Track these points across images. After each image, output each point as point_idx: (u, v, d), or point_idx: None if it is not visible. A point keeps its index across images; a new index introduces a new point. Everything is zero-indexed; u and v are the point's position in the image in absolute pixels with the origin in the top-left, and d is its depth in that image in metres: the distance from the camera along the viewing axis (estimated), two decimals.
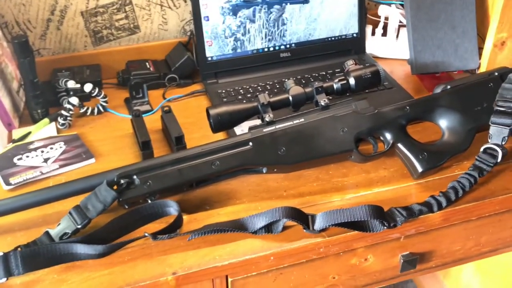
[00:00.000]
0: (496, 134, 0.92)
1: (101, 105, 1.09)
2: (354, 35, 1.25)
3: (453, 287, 1.53)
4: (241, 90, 1.14)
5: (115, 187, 0.83)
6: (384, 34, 1.28)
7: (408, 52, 1.16)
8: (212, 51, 1.16)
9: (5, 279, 0.75)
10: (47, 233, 0.80)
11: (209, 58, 1.17)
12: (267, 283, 0.86)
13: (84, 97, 1.10)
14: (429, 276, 1.64)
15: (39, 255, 0.76)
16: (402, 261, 0.92)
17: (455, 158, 0.94)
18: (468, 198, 0.88)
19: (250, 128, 0.91)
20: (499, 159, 0.90)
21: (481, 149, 0.92)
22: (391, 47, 1.27)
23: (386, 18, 1.27)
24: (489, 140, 0.92)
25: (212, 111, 0.90)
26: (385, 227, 0.82)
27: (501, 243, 1.00)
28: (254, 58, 1.19)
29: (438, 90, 0.97)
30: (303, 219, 0.82)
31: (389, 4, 1.26)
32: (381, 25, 1.27)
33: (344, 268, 0.90)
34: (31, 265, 0.76)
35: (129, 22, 1.19)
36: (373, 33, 1.28)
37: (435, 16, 1.13)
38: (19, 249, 0.78)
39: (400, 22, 1.25)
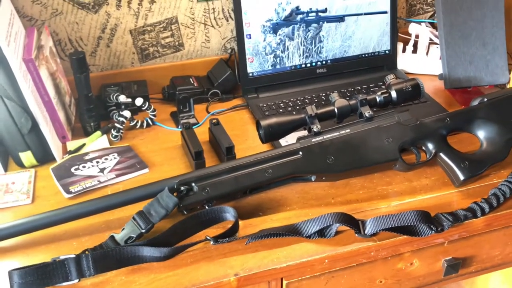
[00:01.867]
0: None
1: (150, 118, 1.14)
2: (387, 52, 1.30)
3: None
4: (281, 104, 1.19)
5: (175, 194, 0.87)
6: (415, 51, 1.33)
7: (438, 67, 1.21)
8: (253, 67, 1.22)
9: (78, 280, 0.79)
10: (112, 237, 0.84)
11: (250, 74, 1.22)
12: (319, 286, 0.90)
13: (133, 111, 1.15)
14: (454, 286, 1.67)
15: (109, 257, 0.80)
16: (446, 265, 0.96)
17: (493, 167, 0.99)
18: (509, 204, 0.93)
19: (299, 139, 0.95)
20: None
21: None
22: (421, 63, 1.33)
23: (417, 36, 1.32)
24: None
25: (263, 122, 0.95)
26: (433, 232, 0.87)
27: None
28: (292, 73, 1.25)
29: (475, 102, 1.02)
30: (354, 224, 0.87)
31: (419, 23, 1.32)
32: (411, 42, 1.33)
33: (391, 272, 0.94)
34: (101, 267, 0.80)
35: (174, 40, 1.25)
36: (403, 50, 1.33)
37: (467, 34, 1.18)
38: (86, 252, 0.82)
39: (430, 39, 1.31)
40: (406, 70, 1.34)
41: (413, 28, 1.32)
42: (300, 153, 0.93)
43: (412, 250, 0.93)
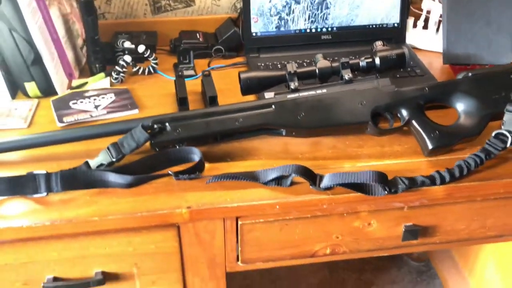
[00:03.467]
0: (509, 121, 0.96)
1: (152, 66, 1.22)
2: (395, 25, 1.31)
3: (477, 284, 1.55)
4: (279, 65, 1.23)
5: (149, 131, 0.94)
6: (426, 27, 1.33)
7: None
8: (257, 27, 1.26)
9: (46, 193, 0.88)
10: (86, 162, 0.92)
11: (254, 34, 1.26)
12: (274, 232, 0.95)
13: (139, 59, 1.22)
14: (454, 273, 1.66)
15: (77, 177, 0.89)
16: (404, 230, 0.98)
17: (469, 143, 0.99)
18: (473, 177, 0.93)
19: (276, 94, 0.99)
20: (508, 145, 0.94)
21: (493, 134, 0.96)
22: (431, 40, 1.32)
23: (428, 12, 1.32)
24: (502, 127, 0.96)
25: (243, 75, 1.00)
26: (386, 192, 0.89)
27: (507, 229, 1.04)
28: (296, 37, 1.28)
29: (460, 76, 1.02)
30: (311, 177, 0.90)
31: None
32: (422, 17, 1.32)
33: (347, 229, 0.97)
34: (69, 185, 0.88)
35: None
36: (414, 25, 1.33)
37: (472, 11, 1.17)
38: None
39: (441, 16, 1.30)
40: (415, 45, 1.34)
41: (425, 3, 1.31)
42: (273, 106, 0.97)
43: (369, 210, 0.95)
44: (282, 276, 1.80)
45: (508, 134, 0.95)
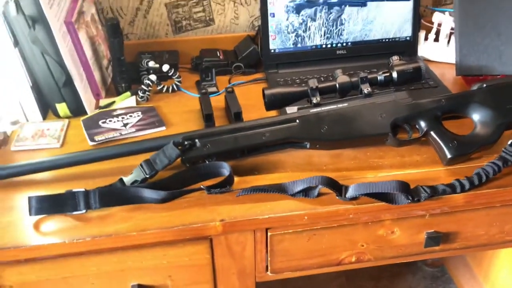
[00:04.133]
0: None
1: (175, 84, 1.26)
2: (408, 38, 1.35)
3: None
4: (297, 80, 1.27)
5: (180, 147, 0.98)
6: (437, 39, 1.37)
7: None
8: (275, 44, 1.31)
9: (85, 211, 0.92)
10: (121, 179, 0.97)
11: (272, 51, 1.31)
12: (302, 242, 0.99)
13: (162, 77, 1.27)
14: (469, 278, 1.70)
15: (113, 194, 0.93)
16: (426, 237, 1.02)
17: (485, 151, 1.03)
18: (491, 184, 0.97)
19: (299, 108, 1.04)
20: None
21: (509, 142, 1.00)
22: (442, 52, 1.37)
23: (439, 25, 1.36)
24: None
25: (267, 91, 1.05)
26: (409, 201, 0.93)
27: None
28: (312, 53, 1.33)
29: (474, 87, 1.07)
30: (337, 187, 0.94)
31: (443, 12, 1.36)
32: (434, 30, 1.37)
33: (372, 237, 1.01)
34: (106, 202, 0.92)
35: (205, 15, 1.36)
36: (426, 38, 1.38)
37: (482, 24, 1.21)
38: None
39: (452, 29, 1.34)
40: (427, 57, 1.38)
41: (436, 17, 1.36)
42: (297, 121, 1.02)
43: (392, 219, 0.99)
44: (300, 284, 1.83)
45: None
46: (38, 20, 1.05)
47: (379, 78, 1.06)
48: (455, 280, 1.82)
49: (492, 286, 1.57)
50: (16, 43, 1.07)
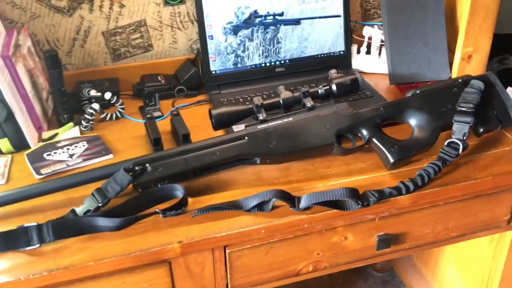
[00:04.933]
0: (458, 130, 1.07)
1: (118, 111, 1.26)
2: (341, 52, 1.41)
3: (439, 286, 1.65)
4: (240, 99, 1.30)
5: (131, 173, 0.98)
6: (368, 52, 1.44)
7: None
8: (215, 65, 1.33)
9: (39, 245, 0.90)
10: (73, 210, 0.95)
11: (213, 72, 1.34)
12: (260, 256, 1.00)
13: (104, 105, 1.26)
14: (418, 279, 1.76)
15: (67, 226, 0.92)
16: (377, 240, 1.06)
17: (424, 154, 1.09)
18: (433, 184, 1.03)
19: (246, 126, 1.06)
20: (460, 151, 1.05)
21: (445, 143, 1.06)
22: (374, 63, 1.44)
23: (370, 38, 1.43)
24: (452, 136, 1.07)
25: (214, 111, 1.07)
26: (359, 206, 0.97)
27: (467, 228, 1.14)
28: (252, 72, 1.36)
29: (409, 94, 1.13)
30: (290, 199, 0.97)
31: (372, 26, 1.43)
32: (365, 44, 1.43)
33: (327, 245, 1.04)
34: (60, 234, 0.91)
35: (144, 41, 1.37)
36: (358, 51, 1.44)
37: (410, 34, 1.29)
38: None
39: (382, 41, 1.41)
40: (361, 69, 1.44)
41: (366, 31, 1.43)
42: (246, 138, 1.04)
43: (344, 225, 1.03)
44: None
45: (459, 142, 1.05)
46: None
47: (320, 91, 1.11)
48: (405, 282, 1.88)
49: (440, 283, 1.64)
50: None
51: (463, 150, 1.05)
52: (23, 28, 1.25)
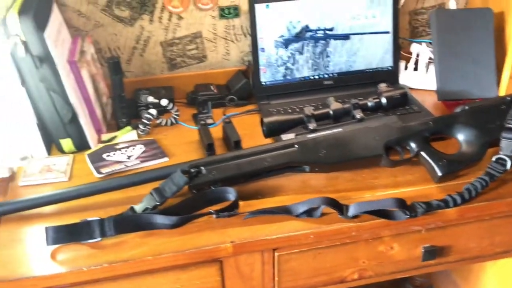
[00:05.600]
0: (506, 147, 1.08)
1: (173, 117, 1.32)
2: (389, 68, 1.44)
3: None
4: (289, 110, 1.34)
5: (187, 175, 1.03)
6: (416, 68, 1.47)
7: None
8: (266, 77, 1.38)
9: (100, 238, 0.95)
10: (132, 208, 1.00)
11: (263, 83, 1.38)
12: (307, 261, 1.04)
13: (160, 112, 1.32)
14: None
15: (127, 221, 0.97)
16: (423, 251, 1.08)
17: (471, 168, 1.10)
18: (480, 198, 1.04)
19: (297, 135, 1.10)
20: (507, 167, 1.06)
21: (493, 159, 1.08)
22: (421, 80, 1.46)
23: (418, 55, 1.46)
24: (500, 152, 1.08)
25: (266, 119, 1.11)
26: (407, 216, 0.99)
27: None
28: (301, 84, 1.41)
29: (458, 109, 1.15)
30: (338, 207, 1.00)
31: (420, 43, 1.46)
32: (413, 60, 1.46)
33: (373, 254, 1.07)
34: (121, 229, 0.96)
35: (198, 52, 1.43)
36: (405, 68, 1.47)
37: (459, 52, 1.32)
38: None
39: (430, 58, 1.44)
40: (408, 85, 1.46)
41: (414, 48, 1.46)
42: (296, 146, 1.08)
43: (391, 235, 1.05)
44: None
45: (507, 158, 1.07)
46: (45, 60, 1.10)
47: (369, 104, 1.14)
48: None
49: None
50: (23, 82, 1.11)
51: (511, 166, 1.06)
52: (87, 36, 1.32)
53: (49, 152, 1.21)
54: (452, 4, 1.44)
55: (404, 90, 1.15)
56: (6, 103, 1.09)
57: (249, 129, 1.28)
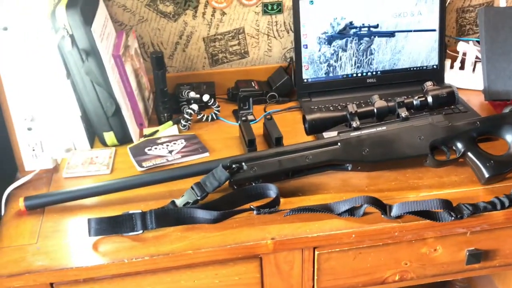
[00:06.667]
0: None
1: (214, 113, 1.32)
2: (434, 66, 1.41)
3: None
4: (331, 108, 1.32)
5: (228, 170, 1.03)
6: (462, 67, 1.43)
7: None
8: (308, 74, 1.37)
9: (142, 231, 0.96)
10: (173, 202, 1.01)
11: (305, 80, 1.37)
12: (348, 260, 1.02)
13: (201, 107, 1.33)
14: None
15: (168, 215, 0.97)
16: (467, 254, 1.05)
17: None
18: None
19: (339, 132, 1.09)
20: None
21: None
22: (468, 79, 1.42)
23: (464, 54, 1.42)
24: None
25: (308, 116, 1.09)
26: (452, 218, 0.97)
27: None
28: (343, 82, 1.39)
29: (506, 110, 1.12)
30: (382, 206, 0.98)
31: (467, 41, 1.42)
32: (459, 59, 1.43)
33: (415, 255, 1.04)
34: (162, 222, 0.96)
35: (240, 48, 1.43)
36: (451, 66, 1.43)
37: (507, 51, 1.27)
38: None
39: (477, 57, 1.40)
40: (453, 85, 1.43)
41: (461, 46, 1.42)
42: (339, 144, 1.06)
43: (435, 236, 1.02)
44: None
45: None
46: (90, 53, 1.11)
47: (415, 102, 1.11)
48: None
49: None
50: (68, 75, 1.13)
51: None
52: (131, 30, 1.34)
53: (92, 144, 1.22)
54: (501, 2, 1.40)
55: (451, 88, 1.12)
56: (52, 95, 1.11)
57: (291, 126, 1.28)
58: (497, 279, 1.73)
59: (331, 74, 1.38)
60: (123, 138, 1.21)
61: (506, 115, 1.11)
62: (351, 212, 0.99)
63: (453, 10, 1.49)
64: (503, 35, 1.28)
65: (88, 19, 1.12)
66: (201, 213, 0.97)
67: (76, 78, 1.14)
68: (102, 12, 1.23)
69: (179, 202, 1.01)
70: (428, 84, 1.14)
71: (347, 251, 1.01)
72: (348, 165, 1.08)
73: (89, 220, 0.94)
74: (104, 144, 1.22)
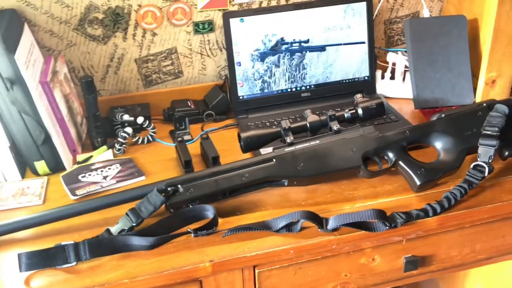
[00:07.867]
0: (483, 153, 1.08)
1: (150, 135, 1.30)
2: (366, 78, 1.44)
3: None
4: (267, 123, 1.33)
5: (163, 194, 1.01)
6: (392, 77, 1.47)
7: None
8: (243, 91, 1.37)
9: (75, 263, 0.93)
10: (108, 230, 0.98)
11: (241, 97, 1.37)
12: (288, 276, 1.02)
13: (136, 130, 1.31)
14: None
15: (103, 244, 0.95)
16: (405, 261, 1.07)
17: (450, 176, 1.10)
18: (460, 206, 1.04)
19: (274, 148, 1.09)
20: (486, 174, 1.06)
21: (471, 166, 1.07)
22: (398, 88, 1.46)
23: (394, 64, 1.46)
24: (478, 159, 1.08)
25: (243, 134, 1.10)
26: (386, 227, 0.98)
27: (494, 251, 1.14)
28: (278, 97, 1.40)
29: (434, 117, 1.15)
30: (318, 220, 0.99)
31: (396, 52, 1.46)
32: (389, 69, 1.46)
33: (354, 266, 1.06)
34: (96, 252, 0.94)
35: (174, 68, 1.42)
36: (382, 77, 1.47)
37: (434, 60, 1.32)
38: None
39: (406, 67, 1.44)
40: (385, 94, 1.47)
41: (390, 57, 1.46)
42: (274, 160, 1.07)
43: (372, 246, 1.04)
44: None
45: (484, 165, 1.06)
46: (15, 81, 1.08)
47: (346, 115, 1.13)
48: None
49: None
50: None
51: (489, 172, 1.06)
52: (60, 55, 1.31)
53: (24, 175, 1.18)
54: (425, 13, 1.45)
55: (380, 99, 1.15)
56: None
57: (229, 144, 1.27)
58: (442, 282, 1.78)
59: (266, 90, 1.39)
60: (56, 166, 1.18)
61: (434, 122, 1.14)
62: (289, 228, 0.99)
63: (381, 22, 1.54)
64: (429, 45, 1.32)
65: (11, 46, 1.08)
66: (136, 240, 0.95)
67: (2, 108, 1.10)
68: (27, 38, 1.19)
69: (114, 230, 0.98)
70: (358, 97, 1.17)
71: (287, 267, 1.01)
72: (284, 180, 1.08)
73: (19, 255, 0.91)
74: (36, 173, 1.18)
